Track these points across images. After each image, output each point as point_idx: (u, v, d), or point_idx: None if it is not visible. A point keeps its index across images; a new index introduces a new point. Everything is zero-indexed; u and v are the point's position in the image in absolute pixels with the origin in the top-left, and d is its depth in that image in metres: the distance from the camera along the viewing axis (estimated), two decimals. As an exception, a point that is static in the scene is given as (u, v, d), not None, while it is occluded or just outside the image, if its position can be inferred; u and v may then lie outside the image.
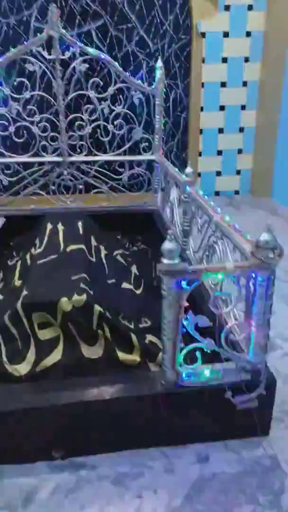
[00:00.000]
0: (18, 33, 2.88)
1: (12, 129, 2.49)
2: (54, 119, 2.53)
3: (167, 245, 1.19)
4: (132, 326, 1.69)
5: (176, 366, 1.28)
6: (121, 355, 1.55)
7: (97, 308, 1.58)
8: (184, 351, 1.27)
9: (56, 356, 1.52)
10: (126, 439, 1.36)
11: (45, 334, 1.55)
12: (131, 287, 2.06)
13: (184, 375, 1.29)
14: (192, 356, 1.29)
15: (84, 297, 1.58)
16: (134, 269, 2.25)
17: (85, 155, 2.64)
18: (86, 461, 1.31)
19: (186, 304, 1.22)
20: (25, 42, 2.39)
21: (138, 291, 2.07)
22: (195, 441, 1.37)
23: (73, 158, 2.63)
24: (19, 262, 2.18)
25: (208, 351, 1.27)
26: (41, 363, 1.50)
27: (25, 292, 1.62)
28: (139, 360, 1.56)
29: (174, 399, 1.31)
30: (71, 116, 2.55)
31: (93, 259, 2.07)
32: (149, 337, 1.69)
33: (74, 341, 1.56)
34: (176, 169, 2.30)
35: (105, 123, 2.59)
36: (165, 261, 1.18)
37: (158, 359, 1.56)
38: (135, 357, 1.56)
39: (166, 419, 1.34)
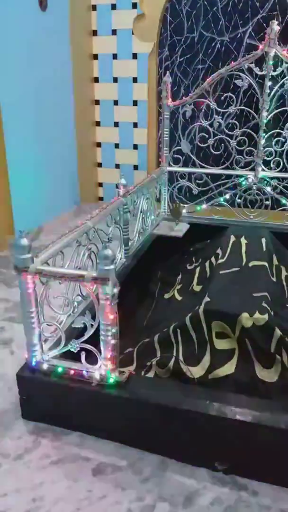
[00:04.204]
0: (230, 50, 2.99)
1: (211, 141, 2.60)
2: (253, 133, 2.54)
3: None
4: (312, 359, 1.57)
5: None
6: (299, 387, 1.45)
7: (278, 332, 1.53)
8: None
9: (229, 368, 1.52)
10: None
11: (221, 344, 1.57)
12: (311, 316, 1.91)
13: None
14: None
15: (266, 316, 1.55)
16: (315, 297, 2.09)
17: (278, 171, 2.58)
18: (248, 484, 1.27)
19: None
20: (234, 59, 2.45)
21: None
22: None
23: (266, 173, 2.59)
24: (198, 268, 2.26)
25: None
26: (214, 371, 1.52)
27: (207, 299, 1.67)
28: None
29: None
30: (271, 132, 2.52)
31: (274, 279, 2.00)
32: None
33: (249, 359, 1.53)
34: None
35: (306, 140, 2.48)
36: None
37: None
38: (313, 393, 1.45)
39: None
